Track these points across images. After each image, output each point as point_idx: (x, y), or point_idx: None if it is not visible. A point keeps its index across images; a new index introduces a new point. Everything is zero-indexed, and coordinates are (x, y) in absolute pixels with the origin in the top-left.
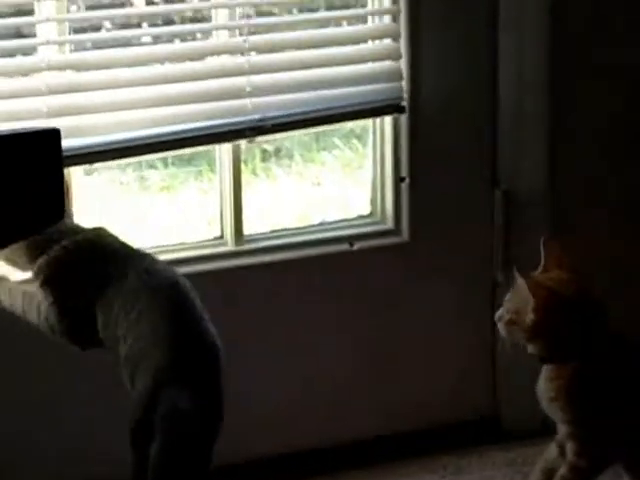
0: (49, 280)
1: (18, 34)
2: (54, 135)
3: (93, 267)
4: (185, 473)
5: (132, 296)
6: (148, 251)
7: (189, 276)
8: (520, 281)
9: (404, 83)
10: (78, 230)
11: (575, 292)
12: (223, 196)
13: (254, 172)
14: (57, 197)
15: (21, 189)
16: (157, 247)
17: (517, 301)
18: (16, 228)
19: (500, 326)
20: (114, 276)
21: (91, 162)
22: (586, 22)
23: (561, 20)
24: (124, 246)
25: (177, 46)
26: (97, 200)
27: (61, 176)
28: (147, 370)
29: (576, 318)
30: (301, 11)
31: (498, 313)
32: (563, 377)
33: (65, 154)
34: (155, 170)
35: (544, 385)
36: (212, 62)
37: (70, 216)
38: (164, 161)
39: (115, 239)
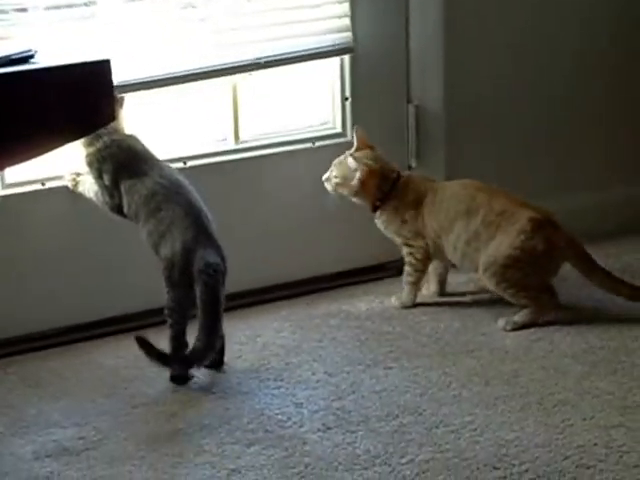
0: (91, 164)
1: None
2: (107, 63)
3: (122, 160)
4: (220, 299)
5: (150, 191)
6: (164, 157)
7: (203, 166)
8: (349, 158)
9: (349, 34)
10: (119, 132)
11: (380, 166)
12: (227, 113)
13: (249, 97)
14: (110, 106)
15: (86, 100)
16: (186, 146)
17: (344, 170)
18: (80, 127)
19: (327, 185)
20: (138, 172)
21: (145, 89)
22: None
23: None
24: (148, 152)
25: (201, 11)
26: (144, 114)
27: (112, 92)
28: (173, 240)
29: (382, 182)
30: None
31: (325, 175)
32: (384, 213)
33: (125, 83)
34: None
35: (379, 223)
36: (227, 20)
37: (120, 122)
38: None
39: (142, 145)
